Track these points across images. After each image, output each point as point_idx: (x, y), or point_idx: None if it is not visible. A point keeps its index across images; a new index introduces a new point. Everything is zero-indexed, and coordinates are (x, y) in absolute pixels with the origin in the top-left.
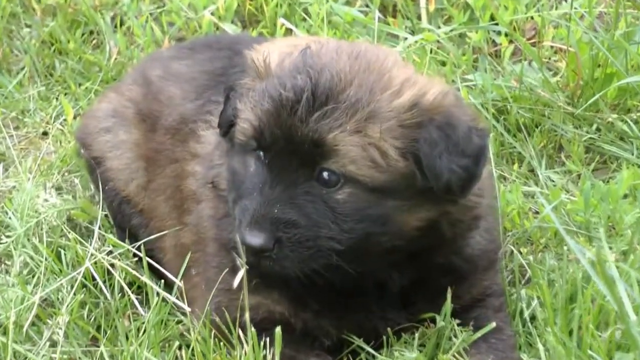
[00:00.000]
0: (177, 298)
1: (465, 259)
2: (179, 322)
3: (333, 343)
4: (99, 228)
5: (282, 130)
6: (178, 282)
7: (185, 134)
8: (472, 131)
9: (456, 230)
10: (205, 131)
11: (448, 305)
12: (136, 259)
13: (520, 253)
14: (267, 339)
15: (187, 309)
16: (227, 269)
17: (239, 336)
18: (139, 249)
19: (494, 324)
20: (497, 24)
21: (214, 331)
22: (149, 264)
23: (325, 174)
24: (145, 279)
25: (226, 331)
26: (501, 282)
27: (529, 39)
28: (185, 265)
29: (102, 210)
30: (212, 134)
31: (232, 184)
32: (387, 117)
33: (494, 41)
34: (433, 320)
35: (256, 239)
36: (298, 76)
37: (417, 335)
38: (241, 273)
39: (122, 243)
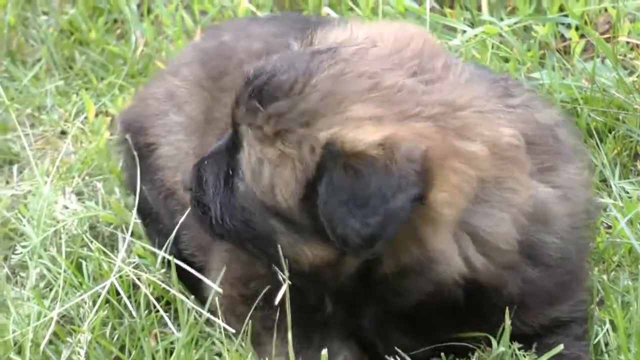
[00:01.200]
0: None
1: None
2: (217, 341)
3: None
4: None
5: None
6: (213, 292)
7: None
8: (399, 189)
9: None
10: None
11: (507, 326)
12: (164, 270)
13: (592, 272)
14: None
15: (224, 325)
16: None
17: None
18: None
19: (561, 347)
20: (566, 16)
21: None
22: (180, 274)
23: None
24: (175, 291)
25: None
26: (586, 307)
27: (602, 34)
28: None
29: (134, 216)
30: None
31: None
32: (297, 145)
33: (562, 35)
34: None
35: (185, 177)
36: (278, 62)
37: None
38: (283, 289)
39: (153, 249)
